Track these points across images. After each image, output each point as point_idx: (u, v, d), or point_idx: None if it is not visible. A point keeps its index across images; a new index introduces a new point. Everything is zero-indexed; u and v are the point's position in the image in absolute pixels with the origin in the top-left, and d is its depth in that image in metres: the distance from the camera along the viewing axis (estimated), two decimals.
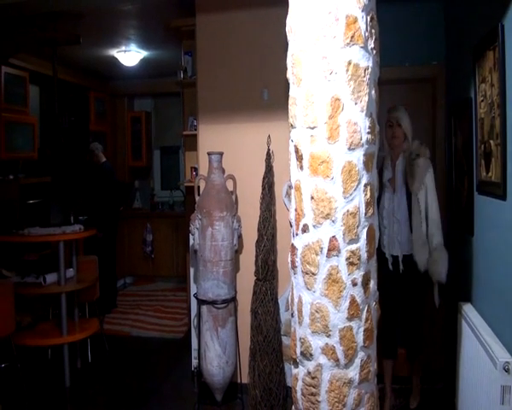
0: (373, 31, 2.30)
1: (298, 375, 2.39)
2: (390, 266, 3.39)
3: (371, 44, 2.28)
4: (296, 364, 2.41)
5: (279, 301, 3.68)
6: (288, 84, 2.44)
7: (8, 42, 5.17)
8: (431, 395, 3.75)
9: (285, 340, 3.62)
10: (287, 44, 2.43)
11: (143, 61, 6.46)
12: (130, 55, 6.18)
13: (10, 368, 4.04)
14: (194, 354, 4.08)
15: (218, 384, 3.58)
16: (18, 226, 4.43)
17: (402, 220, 3.32)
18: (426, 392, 3.77)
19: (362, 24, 2.21)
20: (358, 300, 2.23)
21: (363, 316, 2.26)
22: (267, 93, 3.78)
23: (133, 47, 5.99)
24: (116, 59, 6.28)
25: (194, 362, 4.10)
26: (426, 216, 3.25)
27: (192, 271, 4.11)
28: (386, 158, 3.43)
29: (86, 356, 4.68)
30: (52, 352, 4.58)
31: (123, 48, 6.01)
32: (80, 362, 4.60)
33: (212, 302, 3.53)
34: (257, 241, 3.64)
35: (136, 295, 7.04)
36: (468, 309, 2.87)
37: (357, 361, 2.25)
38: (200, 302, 3.59)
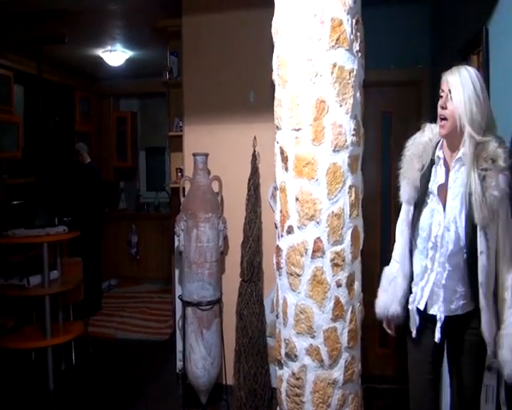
0: (358, 34, 2.32)
1: (282, 376, 2.40)
2: (415, 332, 2.17)
3: (356, 47, 2.30)
4: (281, 365, 2.42)
5: (264, 302, 3.68)
6: (274, 85, 2.44)
7: None
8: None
9: (270, 341, 3.62)
10: (273, 46, 2.44)
11: (129, 61, 6.42)
12: (115, 55, 6.14)
13: None
14: (179, 356, 4.06)
15: (203, 386, 3.57)
16: (2, 227, 4.38)
17: (453, 260, 1.99)
18: (403, 392, 3.78)
19: (347, 27, 2.23)
20: (343, 301, 2.24)
21: (348, 317, 2.27)
22: (253, 95, 3.79)
23: (119, 47, 5.95)
24: (102, 59, 6.23)
25: (179, 364, 4.08)
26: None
27: (177, 272, 4.09)
28: (439, 151, 2.08)
29: (70, 359, 4.62)
30: (36, 355, 4.53)
31: (109, 47, 5.96)
32: (64, 365, 4.55)
33: (197, 304, 3.52)
34: (242, 242, 3.64)
35: (121, 297, 6.99)
36: None
37: (342, 362, 2.27)
38: (185, 304, 3.58)
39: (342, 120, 2.22)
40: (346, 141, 2.22)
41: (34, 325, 4.64)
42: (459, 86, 1.94)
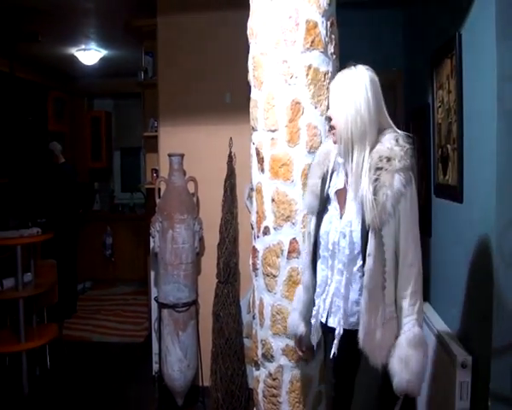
0: (333, 36, 2.33)
1: (259, 377, 2.40)
2: (315, 346, 2.12)
3: (331, 49, 2.31)
4: (258, 366, 2.42)
5: (241, 303, 3.68)
6: (250, 86, 2.45)
7: None
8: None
9: (247, 342, 3.63)
10: (248, 47, 2.44)
11: (103, 61, 6.35)
12: (89, 54, 6.07)
13: None
14: (155, 358, 4.03)
15: (180, 388, 3.56)
16: None
17: (350, 267, 1.87)
18: None
19: (322, 29, 2.24)
20: None
21: None
22: (230, 96, 3.78)
23: (93, 46, 5.88)
24: (76, 57, 6.15)
25: (155, 366, 4.05)
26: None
27: (153, 274, 4.06)
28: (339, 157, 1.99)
29: (45, 363, 4.54)
30: (10, 359, 4.43)
31: (83, 46, 5.89)
32: (39, 369, 4.47)
33: (173, 306, 3.50)
34: (218, 243, 3.63)
35: (96, 299, 6.91)
36: (426, 309, 2.93)
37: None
38: (161, 306, 3.56)
39: (317, 121, 2.24)
40: (320, 142, 2.23)
41: (8, 328, 4.54)
42: (338, 94, 1.87)
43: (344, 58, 2.49)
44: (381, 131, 1.85)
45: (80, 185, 6.85)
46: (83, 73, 7.10)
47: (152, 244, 3.68)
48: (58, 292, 4.74)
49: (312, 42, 2.22)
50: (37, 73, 6.96)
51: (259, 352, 2.37)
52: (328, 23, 2.29)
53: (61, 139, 6.77)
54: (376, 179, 1.76)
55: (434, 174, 3.00)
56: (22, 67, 6.17)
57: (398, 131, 1.87)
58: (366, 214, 1.78)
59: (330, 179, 1.97)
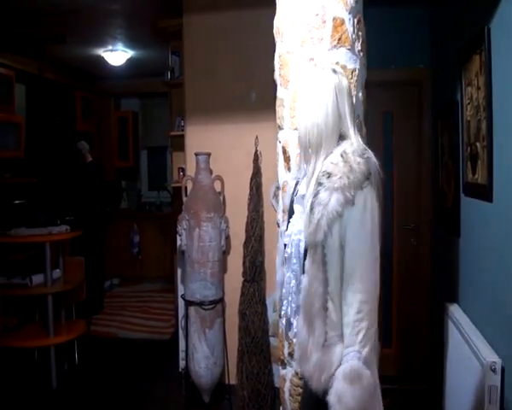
0: (360, 33, 2.31)
1: (286, 376, 2.40)
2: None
3: (358, 47, 2.29)
4: (284, 365, 2.42)
5: (267, 302, 3.68)
6: (276, 85, 2.44)
7: None
8: (417, 396, 3.78)
9: (273, 341, 3.62)
10: (274, 46, 2.43)
11: (130, 61, 6.42)
12: (116, 55, 6.14)
13: None
14: (182, 355, 4.06)
15: (206, 386, 3.58)
16: (3, 227, 4.39)
17: (298, 276, 1.86)
18: (412, 392, 3.79)
19: (349, 26, 2.22)
20: None
21: None
22: (255, 94, 3.78)
23: (120, 46, 5.95)
24: (103, 58, 6.23)
25: (182, 363, 4.08)
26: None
27: (179, 272, 4.09)
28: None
29: (73, 358, 4.63)
30: (38, 354, 4.53)
31: (110, 47, 5.97)
32: (67, 364, 4.56)
33: (200, 303, 3.52)
34: (244, 242, 3.64)
35: (123, 296, 7.00)
36: (455, 310, 2.89)
37: None
38: (188, 303, 3.58)
39: None
40: None
41: (36, 323, 4.64)
42: (301, 99, 1.83)
43: (371, 56, 2.47)
44: (342, 139, 1.76)
45: (107, 184, 6.95)
46: (110, 73, 7.19)
47: (179, 242, 3.71)
48: (86, 289, 4.83)
49: (339, 39, 2.20)
50: (65, 74, 7.07)
51: (286, 351, 2.37)
52: (355, 20, 2.27)
53: (88, 139, 6.87)
54: (315, 195, 1.68)
55: (463, 173, 2.95)
56: (50, 68, 6.29)
57: (356, 142, 1.74)
58: (304, 230, 1.72)
59: (300, 184, 1.92)
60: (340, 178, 1.64)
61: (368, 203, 1.66)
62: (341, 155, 1.68)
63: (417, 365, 4.02)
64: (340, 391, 1.59)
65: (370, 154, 1.72)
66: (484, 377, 2.17)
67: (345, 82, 1.79)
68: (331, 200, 1.63)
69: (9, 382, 3.96)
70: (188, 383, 3.74)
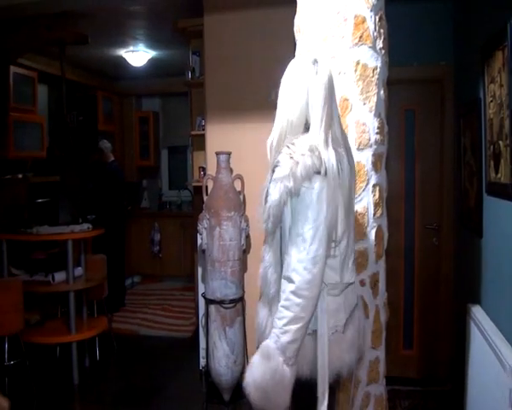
0: (381, 30, 2.30)
1: None
2: None
3: (380, 44, 2.28)
4: None
5: None
6: None
7: (16, 42, 5.18)
8: (439, 398, 3.73)
9: None
10: (295, 44, 2.43)
11: (151, 61, 6.47)
12: (138, 56, 6.20)
13: (19, 365, 4.06)
14: (202, 353, 4.08)
15: (226, 384, 3.59)
16: (26, 225, 4.46)
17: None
18: (434, 394, 3.75)
19: (370, 24, 2.21)
20: (367, 300, 2.22)
21: (372, 317, 2.25)
22: (275, 93, 3.77)
23: (141, 47, 6.00)
24: (124, 59, 6.29)
25: (202, 361, 4.10)
26: None
27: (200, 270, 4.11)
28: None
29: (94, 354, 4.69)
30: (60, 350, 4.59)
31: (131, 48, 6.02)
32: (88, 360, 4.61)
33: (220, 302, 3.53)
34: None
35: (144, 294, 7.06)
36: (477, 311, 2.85)
37: (366, 362, 2.25)
38: (208, 302, 3.60)
39: (366, 118, 2.21)
40: (369, 139, 2.20)
41: (59, 320, 4.71)
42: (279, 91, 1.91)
43: (392, 53, 2.45)
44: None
45: (128, 183, 7.02)
46: (131, 73, 7.25)
47: (199, 241, 3.73)
48: (107, 286, 4.88)
49: (361, 37, 2.19)
50: (87, 74, 7.16)
51: None
52: (377, 17, 2.25)
53: (110, 138, 6.95)
54: (266, 186, 1.80)
55: (486, 172, 2.90)
56: (72, 69, 6.36)
57: (316, 136, 1.74)
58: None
59: None
60: (284, 169, 1.71)
61: (313, 197, 1.68)
62: (288, 147, 1.75)
63: (439, 367, 3.98)
64: (253, 360, 1.75)
65: (327, 150, 1.72)
66: (506, 381, 2.13)
67: (323, 75, 1.77)
68: (275, 190, 1.72)
69: (32, 377, 4.02)
70: (208, 381, 3.76)
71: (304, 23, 2.33)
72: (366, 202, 2.21)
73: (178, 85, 5.92)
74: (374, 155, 2.22)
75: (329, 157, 1.71)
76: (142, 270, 7.74)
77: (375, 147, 2.23)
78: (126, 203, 6.77)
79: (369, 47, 2.21)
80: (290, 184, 1.68)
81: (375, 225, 2.24)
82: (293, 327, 1.69)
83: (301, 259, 1.69)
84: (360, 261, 2.20)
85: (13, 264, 4.54)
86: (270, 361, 1.70)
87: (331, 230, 1.73)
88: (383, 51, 2.30)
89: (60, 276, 4.30)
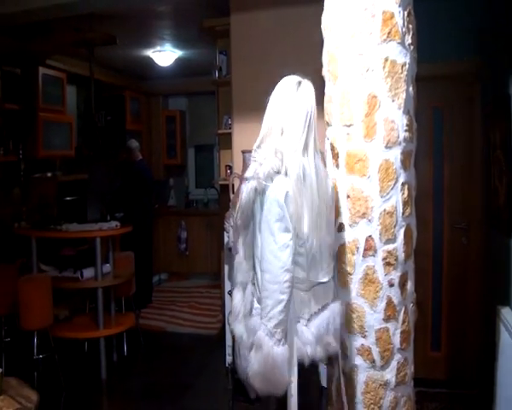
0: (410, 26, 2.26)
1: (333, 375, 2.38)
2: None
3: (408, 40, 2.24)
4: (331, 364, 2.39)
5: None
6: (323, 81, 2.42)
7: (45, 44, 5.28)
8: (466, 401, 3.66)
9: None
10: (322, 42, 2.41)
11: (178, 61, 6.50)
12: (165, 55, 6.24)
13: (48, 359, 4.14)
14: (229, 350, 4.09)
15: None
16: (56, 222, 4.53)
17: None
18: (461, 397, 3.68)
19: (399, 19, 2.17)
20: (395, 301, 2.19)
21: (400, 318, 2.22)
22: None
23: (168, 47, 6.04)
24: (151, 59, 6.34)
25: (229, 359, 4.11)
26: None
27: (226, 268, 4.12)
28: None
29: (122, 350, 4.75)
30: (89, 345, 4.67)
31: (158, 48, 6.07)
32: (116, 355, 4.68)
33: None
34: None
35: (171, 291, 7.11)
36: (507, 313, 2.78)
37: (394, 364, 2.22)
38: None
39: (394, 115, 2.17)
40: (398, 137, 2.17)
41: (87, 315, 4.79)
42: None
43: (420, 49, 2.40)
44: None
45: (156, 182, 7.08)
46: (158, 73, 7.31)
47: (226, 239, 3.73)
48: (135, 283, 4.93)
49: (389, 33, 2.15)
50: (115, 74, 7.25)
51: None
52: (405, 13, 2.21)
53: (137, 138, 7.03)
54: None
55: None
56: (100, 69, 6.44)
57: (285, 142, 2.02)
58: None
59: None
60: (250, 170, 1.96)
61: (273, 195, 1.91)
62: (255, 150, 2.03)
63: (467, 369, 3.89)
64: (250, 355, 1.98)
65: (292, 156, 1.98)
66: None
67: (303, 94, 2.09)
68: (245, 189, 1.95)
69: (61, 371, 4.09)
70: (234, 378, 3.76)
71: (331, 20, 2.30)
72: (395, 200, 2.18)
73: (205, 84, 5.94)
74: (403, 152, 2.19)
75: (293, 161, 1.97)
76: (169, 268, 7.81)
77: (403, 145, 2.19)
78: (154, 201, 6.82)
79: (398, 43, 2.17)
80: (255, 183, 1.93)
81: (403, 224, 2.21)
82: (276, 311, 1.91)
83: (271, 249, 1.91)
84: (389, 261, 2.17)
85: (42, 260, 4.63)
86: (263, 349, 1.92)
87: (294, 224, 1.93)
88: (412, 47, 2.26)
89: (88, 272, 4.36)
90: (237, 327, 2.12)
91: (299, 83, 2.12)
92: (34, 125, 5.40)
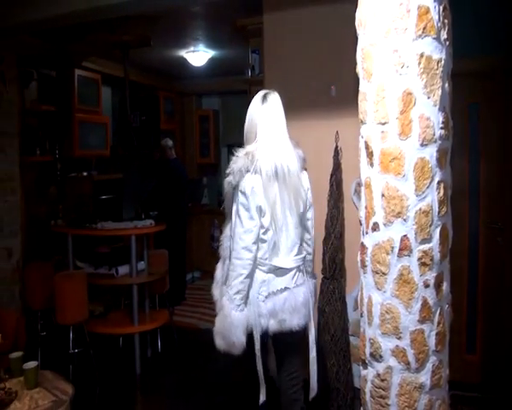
0: (446, 21, 2.21)
1: (367, 376, 2.35)
2: None
3: (444, 35, 2.19)
4: (365, 365, 2.37)
5: (347, 299, 3.62)
6: (357, 79, 2.39)
7: (81, 46, 5.38)
8: (501, 406, 3.54)
9: (353, 340, 3.56)
10: (356, 39, 2.38)
11: (211, 61, 6.53)
12: (198, 55, 6.28)
13: (83, 354, 4.23)
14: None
15: None
16: (91, 220, 4.62)
17: None
18: (496, 402, 3.58)
19: (434, 14, 2.13)
20: (431, 302, 2.15)
21: (436, 319, 2.18)
22: (335, 89, 3.72)
23: (201, 47, 6.08)
24: (185, 59, 6.39)
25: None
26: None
27: None
28: None
29: (156, 346, 4.82)
30: (123, 340, 4.75)
31: (191, 48, 6.10)
32: (150, 351, 4.74)
33: None
34: (324, 239, 3.60)
35: (204, 289, 7.13)
36: None
37: (429, 366, 2.18)
38: None
39: (430, 112, 2.13)
40: (434, 134, 2.13)
41: (121, 311, 4.87)
42: None
43: (454, 43, 2.35)
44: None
45: (189, 180, 7.14)
46: (191, 73, 7.36)
47: None
48: (169, 280, 4.98)
49: (424, 28, 2.11)
50: (149, 75, 7.34)
51: (367, 351, 2.31)
52: (441, 7, 2.17)
53: (171, 137, 7.09)
54: None
55: None
56: (135, 70, 6.53)
57: (257, 145, 2.52)
58: None
59: None
60: (228, 168, 2.48)
61: (242, 188, 2.42)
62: (234, 152, 2.52)
63: (503, 373, 3.78)
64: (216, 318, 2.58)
65: (262, 157, 2.46)
66: None
67: (268, 105, 2.59)
68: (225, 183, 2.51)
69: (95, 365, 4.18)
70: (266, 376, 3.75)
71: (365, 17, 2.27)
72: (430, 199, 2.13)
73: (238, 84, 5.96)
74: (438, 150, 2.14)
75: (265, 161, 2.44)
76: (203, 266, 7.85)
77: (439, 142, 2.14)
78: (187, 200, 6.88)
79: (434, 38, 2.13)
80: (230, 178, 2.46)
81: (439, 223, 2.16)
82: (236, 281, 2.44)
83: (238, 232, 2.43)
84: (424, 261, 2.13)
85: (78, 257, 4.73)
86: (224, 310, 2.49)
87: (259, 214, 2.43)
88: (447, 42, 2.21)
89: (123, 269, 4.44)
90: (215, 292, 2.77)
91: (265, 96, 2.61)
92: (70, 125, 5.52)
